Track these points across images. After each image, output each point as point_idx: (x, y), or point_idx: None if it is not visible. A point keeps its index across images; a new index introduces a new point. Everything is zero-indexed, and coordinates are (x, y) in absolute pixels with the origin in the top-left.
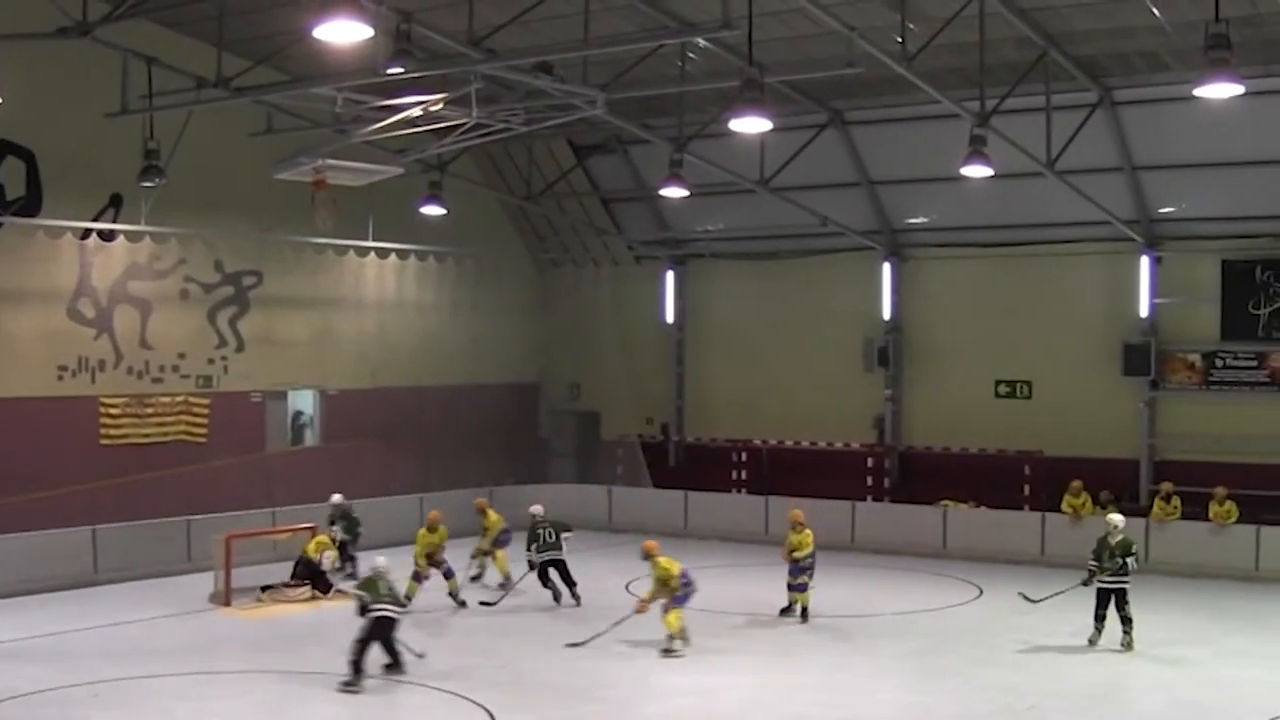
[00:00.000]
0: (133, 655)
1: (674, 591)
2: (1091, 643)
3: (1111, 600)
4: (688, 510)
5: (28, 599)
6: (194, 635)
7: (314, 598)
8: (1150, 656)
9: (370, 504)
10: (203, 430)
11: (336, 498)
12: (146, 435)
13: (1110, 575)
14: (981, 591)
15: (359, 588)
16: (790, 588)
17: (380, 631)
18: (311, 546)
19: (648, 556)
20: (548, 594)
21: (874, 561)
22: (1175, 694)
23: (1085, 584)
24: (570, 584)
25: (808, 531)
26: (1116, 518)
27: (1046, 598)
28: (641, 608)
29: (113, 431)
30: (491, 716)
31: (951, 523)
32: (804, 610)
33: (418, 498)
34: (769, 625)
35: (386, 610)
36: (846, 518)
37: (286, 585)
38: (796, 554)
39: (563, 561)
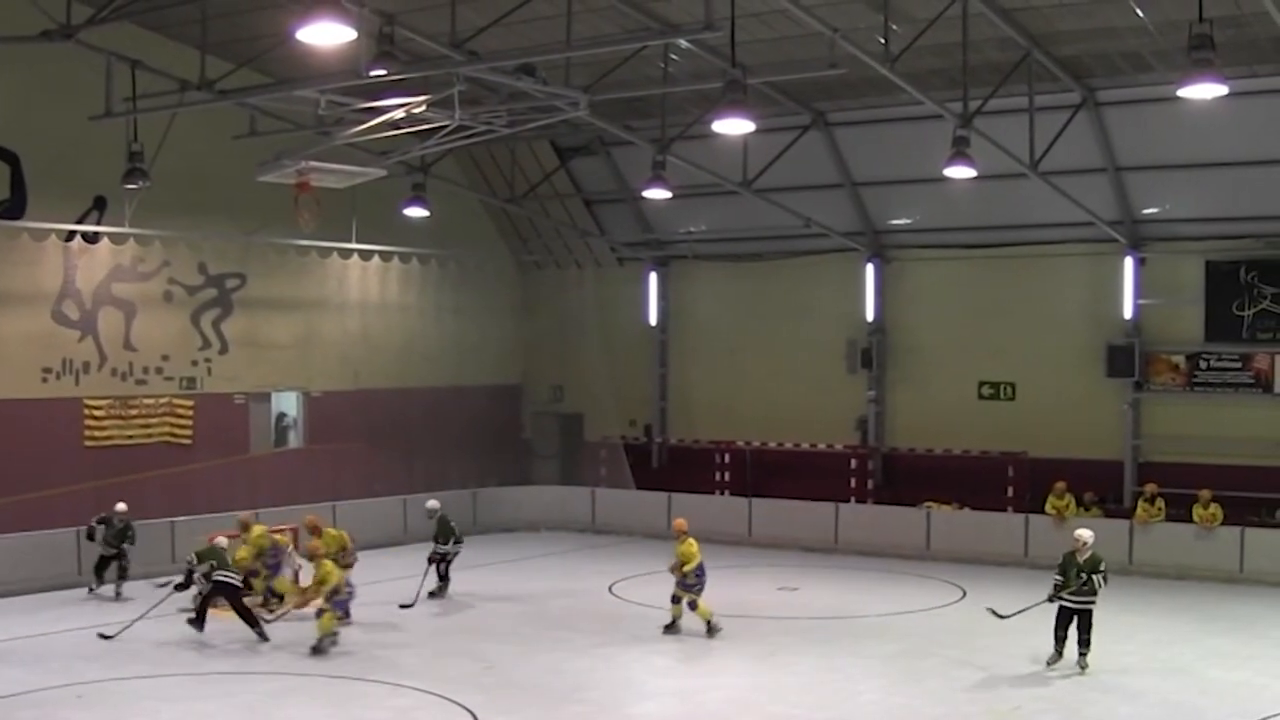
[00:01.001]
0: (116, 657)
1: (336, 596)
2: (1050, 664)
3: (1074, 620)
4: (671, 512)
5: (11, 600)
6: (178, 637)
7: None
8: (1136, 659)
9: (354, 506)
10: (187, 432)
11: (120, 506)
12: (131, 437)
13: (1074, 594)
14: (965, 593)
15: (201, 555)
16: (675, 600)
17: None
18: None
19: (312, 557)
20: (535, 595)
21: (857, 563)
22: (1161, 696)
23: (1051, 600)
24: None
25: (691, 541)
26: (1085, 533)
27: (1016, 613)
28: (301, 603)
29: (97, 433)
30: (475, 718)
31: (935, 524)
32: (709, 625)
33: (401, 499)
34: (753, 627)
35: (228, 577)
36: (830, 519)
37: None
38: (686, 568)
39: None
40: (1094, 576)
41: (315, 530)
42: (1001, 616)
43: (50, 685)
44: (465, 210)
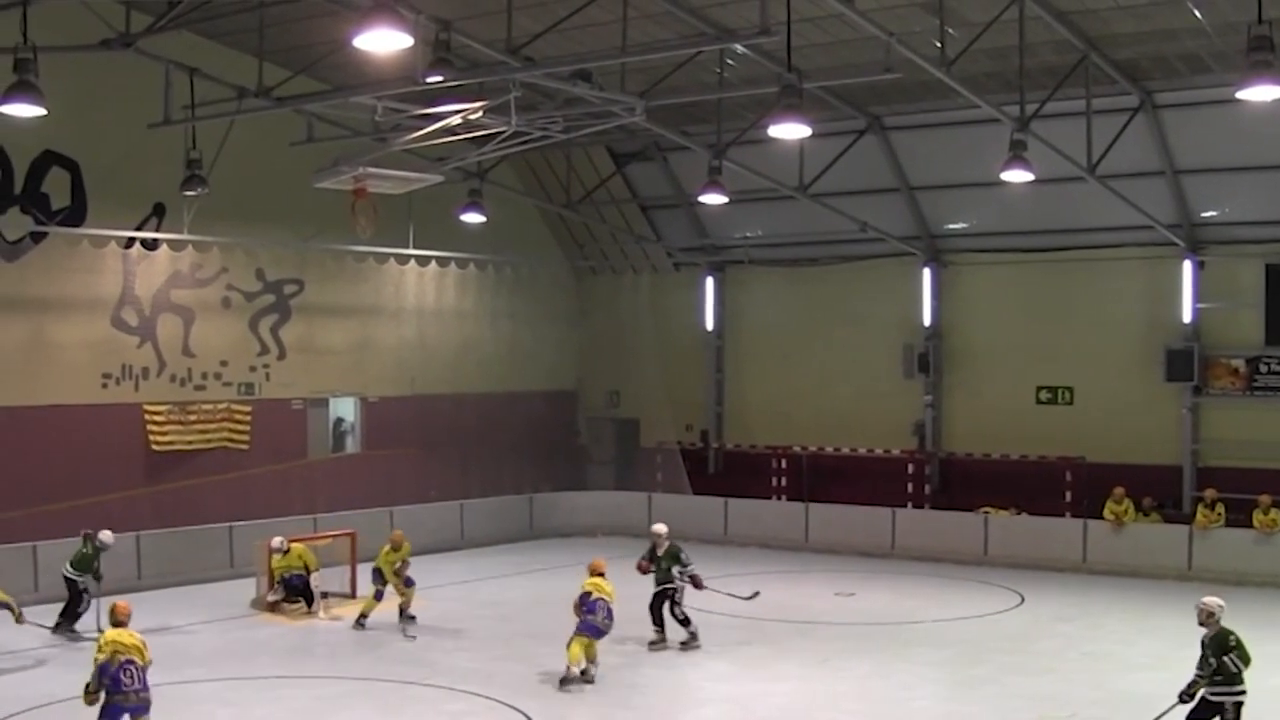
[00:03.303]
0: (174, 660)
1: None
2: None
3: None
4: (727, 517)
5: None
6: (235, 641)
7: (307, 612)
8: (1192, 664)
9: (410, 511)
10: (245, 437)
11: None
12: (189, 442)
13: (1210, 683)
14: (1023, 599)
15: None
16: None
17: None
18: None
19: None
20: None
21: (914, 568)
22: None
23: (1184, 699)
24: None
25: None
26: (1210, 601)
27: None
28: None
29: (156, 439)
30: None
31: (992, 530)
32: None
33: (457, 504)
34: (807, 632)
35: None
36: (887, 524)
37: (287, 600)
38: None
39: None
40: (1224, 659)
41: (398, 546)
42: None
43: None
44: (521, 216)
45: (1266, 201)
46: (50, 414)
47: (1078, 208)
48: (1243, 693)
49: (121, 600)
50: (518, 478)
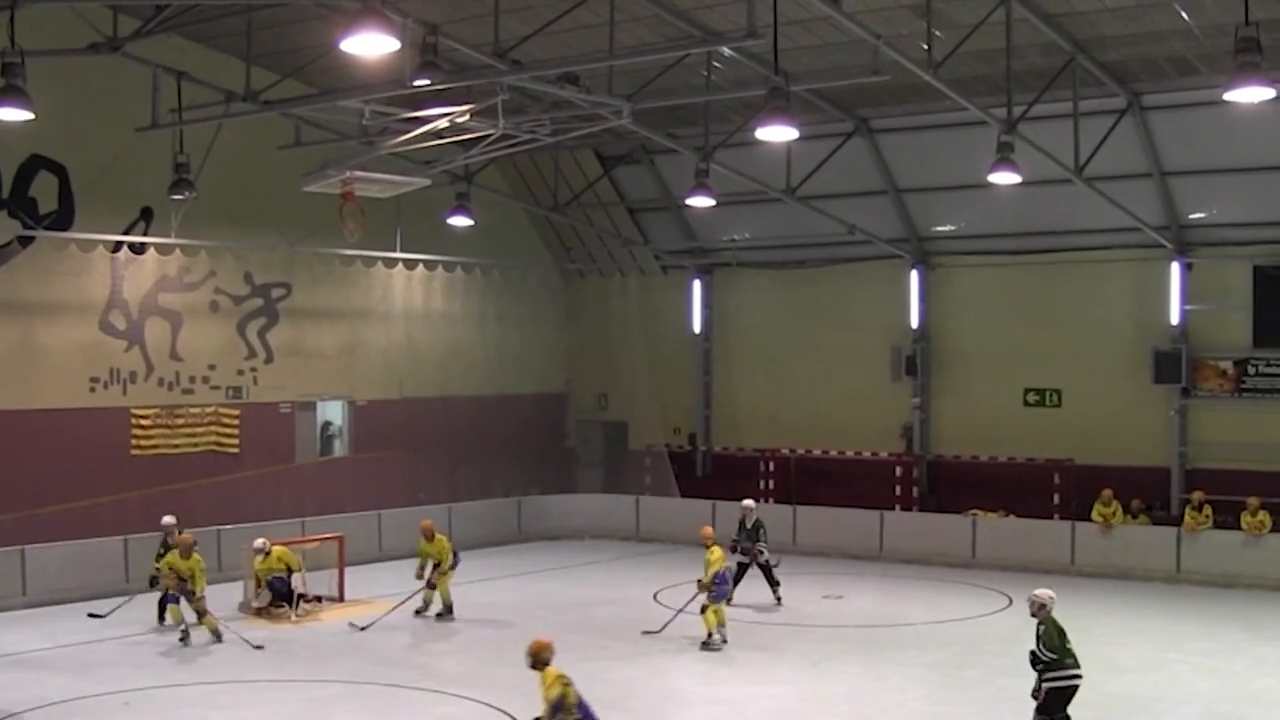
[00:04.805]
0: (163, 664)
1: None
2: None
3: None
4: (715, 520)
5: (59, 608)
6: (223, 644)
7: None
8: (1184, 667)
9: (398, 514)
10: (233, 441)
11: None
12: (177, 446)
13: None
14: (1011, 601)
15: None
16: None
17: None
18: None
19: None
20: (579, 603)
21: (903, 571)
22: (1210, 705)
23: (1035, 696)
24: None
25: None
26: (1042, 592)
27: None
28: None
29: (144, 442)
30: None
31: (980, 532)
32: (709, 635)
33: (446, 508)
34: (798, 635)
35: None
36: (875, 527)
37: (273, 605)
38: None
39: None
40: (1033, 650)
41: (430, 535)
42: None
43: (98, 692)
44: (509, 219)
45: (1254, 203)
46: (39, 418)
47: (1065, 210)
48: (1061, 678)
49: (544, 637)
50: (506, 481)
